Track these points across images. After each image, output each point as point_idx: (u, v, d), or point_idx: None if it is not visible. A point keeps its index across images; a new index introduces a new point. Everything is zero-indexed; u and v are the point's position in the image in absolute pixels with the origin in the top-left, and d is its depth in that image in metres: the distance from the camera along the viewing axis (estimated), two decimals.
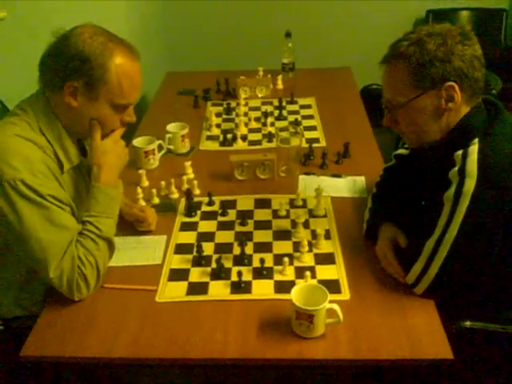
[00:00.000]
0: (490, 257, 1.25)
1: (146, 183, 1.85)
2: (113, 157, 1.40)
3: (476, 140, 1.26)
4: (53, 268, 1.27)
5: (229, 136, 2.13)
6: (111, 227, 1.38)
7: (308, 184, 1.82)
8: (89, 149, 1.49)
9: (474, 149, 1.24)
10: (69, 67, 1.28)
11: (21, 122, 1.32)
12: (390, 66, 1.34)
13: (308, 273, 1.36)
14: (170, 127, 2.08)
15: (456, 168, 1.24)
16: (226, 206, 1.71)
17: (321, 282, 1.34)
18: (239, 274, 1.38)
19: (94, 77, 1.28)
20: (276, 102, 2.41)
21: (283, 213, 1.67)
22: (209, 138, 2.19)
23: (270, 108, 2.39)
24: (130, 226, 1.62)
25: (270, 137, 2.13)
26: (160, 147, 2.01)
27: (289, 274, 1.42)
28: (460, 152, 1.26)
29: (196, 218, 1.68)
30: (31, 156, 1.28)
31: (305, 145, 1.98)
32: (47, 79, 1.33)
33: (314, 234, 1.53)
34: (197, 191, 1.79)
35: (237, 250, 1.50)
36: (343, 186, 1.80)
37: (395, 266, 1.36)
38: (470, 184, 1.21)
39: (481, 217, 1.22)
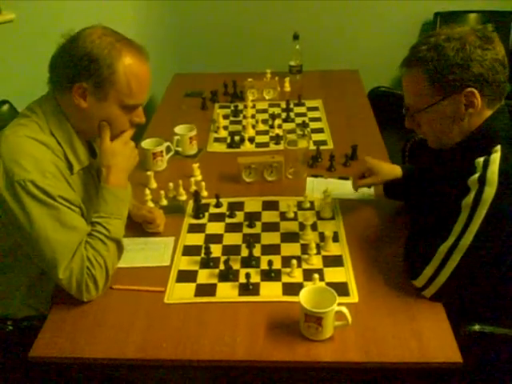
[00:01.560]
0: (502, 265, 1.25)
1: (154, 185, 1.85)
2: (122, 158, 1.41)
3: (498, 147, 1.24)
4: (62, 269, 1.28)
5: (236, 138, 2.14)
6: (120, 228, 1.38)
7: (316, 186, 1.82)
8: (98, 150, 1.49)
9: (496, 157, 1.22)
10: (78, 68, 1.28)
11: (31, 124, 1.33)
12: (409, 71, 1.33)
13: (316, 275, 1.35)
14: (178, 129, 2.09)
15: (476, 175, 1.22)
16: (234, 207, 1.71)
17: (329, 284, 1.34)
18: (247, 275, 1.38)
19: (103, 77, 1.29)
20: (283, 104, 2.41)
21: (291, 215, 1.67)
22: (216, 139, 2.20)
23: (277, 110, 2.39)
24: (138, 227, 1.62)
25: (277, 139, 2.13)
26: (168, 149, 2.02)
27: (297, 276, 1.42)
28: (481, 159, 1.23)
29: (204, 220, 1.68)
30: (41, 157, 1.28)
31: (312, 147, 1.98)
32: (57, 80, 1.34)
33: (322, 237, 1.53)
34: (204, 193, 1.79)
35: (245, 252, 1.50)
36: (351, 189, 1.79)
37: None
38: (490, 193, 1.19)
39: (497, 226, 1.21)
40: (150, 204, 1.73)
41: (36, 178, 1.24)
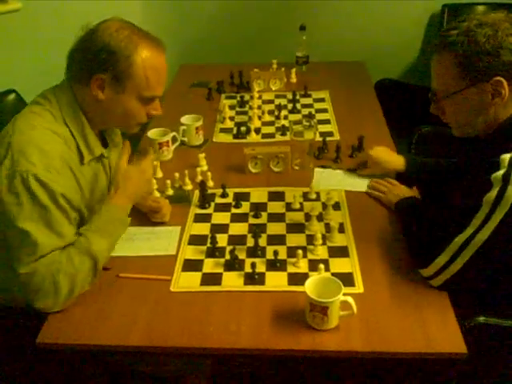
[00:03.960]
0: None
1: (160, 174, 1.86)
2: (132, 185, 1.41)
3: None
4: (23, 264, 1.25)
5: (242, 129, 2.13)
6: (103, 248, 1.32)
7: (323, 177, 1.82)
8: (109, 139, 1.50)
9: None
10: (96, 60, 1.29)
11: (44, 112, 1.33)
12: (438, 56, 1.31)
13: (322, 265, 1.36)
14: (184, 119, 2.09)
15: (501, 172, 1.20)
16: (240, 198, 1.72)
17: (334, 274, 1.34)
18: (253, 265, 1.38)
19: (121, 70, 1.29)
20: (290, 95, 2.40)
21: (297, 206, 1.67)
22: (222, 130, 2.20)
23: (283, 101, 2.39)
24: (144, 216, 1.63)
25: (283, 130, 2.12)
26: (174, 139, 2.02)
27: (302, 266, 1.42)
28: (508, 156, 1.20)
29: (210, 210, 1.68)
30: (49, 150, 1.28)
31: (318, 138, 1.97)
32: (75, 72, 1.34)
33: (328, 227, 1.53)
34: (210, 183, 1.80)
35: (250, 242, 1.50)
36: (359, 181, 1.79)
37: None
38: None
39: None
40: (156, 194, 1.74)
41: (39, 172, 1.23)
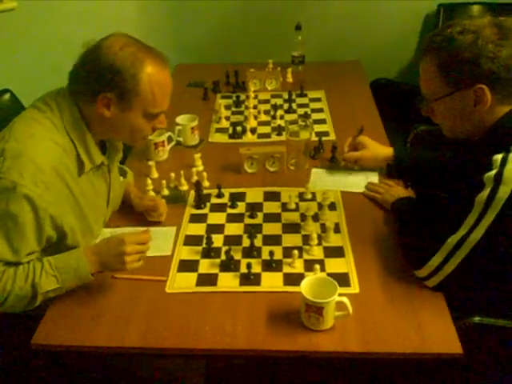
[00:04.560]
0: (509, 263, 1.25)
1: (155, 175, 1.85)
2: (109, 253, 1.31)
3: None
4: None
5: (238, 128, 2.13)
6: (48, 289, 1.27)
7: (320, 178, 1.82)
8: (109, 146, 1.49)
9: None
10: (101, 79, 1.27)
11: (44, 120, 1.31)
12: (423, 59, 1.32)
13: (317, 266, 1.36)
14: (180, 119, 2.08)
15: (493, 172, 1.20)
16: (236, 198, 1.71)
17: (330, 275, 1.34)
18: (248, 265, 1.38)
19: (127, 88, 1.28)
20: (285, 95, 2.40)
21: (292, 206, 1.67)
22: (218, 130, 2.19)
23: (279, 101, 2.39)
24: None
25: (279, 130, 2.12)
26: (170, 139, 2.01)
27: (298, 266, 1.42)
28: (499, 156, 1.21)
29: (205, 210, 1.68)
30: (41, 162, 1.24)
31: (314, 138, 1.97)
32: (79, 89, 1.32)
33: (324, 228, 1.53)
34: (206, 183, 1.79)
35: (246, 242, 1.50)
36: (355, 181, 1.79)
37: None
38: (505, 191, 1.18)
39: (508, 225, 1.21)
40: (152, 194, 1.73)
41: (27, 185, 1.21)
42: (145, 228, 1.41)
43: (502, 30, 1.22)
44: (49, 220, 1.28)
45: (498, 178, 1.19)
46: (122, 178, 1.68)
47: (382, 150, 1.79)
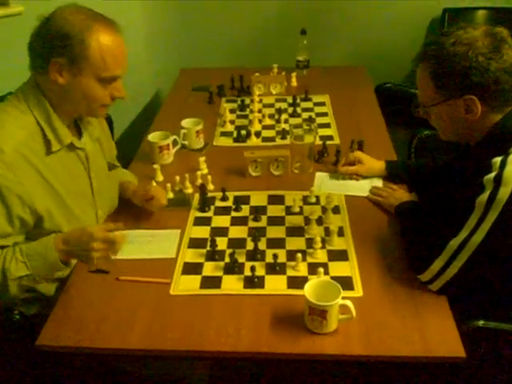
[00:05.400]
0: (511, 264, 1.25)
1: (160, 178, 1.86)
2: (79, 246, 1.33)
3: None
4: None
5: (243, 132, 2.14)
6: (17, 275, 1.30)
7: (324, 182, 1.83)
8: (84, 129, 1.50)
9: None
10: (52, 46, 1.30)
11: (11, 109, 1.35)
12: (419, 67, 1.35)
13: (321, 269, 1.36)
14: (185, 123, 2.09)
15: (492, 174, 1.21)
16: (240, 201, 1.72)
17: (333, 278, 1.34)
18: (252, 268, 1.39)
19: (76, 53, 1.31)
20: (290, 99, 2.41)
21: (296, 209, 1.67)
22: (223, 134, 2.20)
23: (283, 105, 2.40)
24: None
25: (283, 134, 2.13)
26: (175, 142, 2.02)
27: (302, 269, 1.42)
28: (499, 159, 1.22)
29: (210, 213, 1.69)
30: (4, 148, 1.28)
31: (318, 142, 1.98)
32: (34, 61, 1.36)
33: (328, 231, 1.54)
34: (211, 186, 1.80)
35: (250, 246, 1.50)
36: (360, 185, 1.79)
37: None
38: (505, 193, 1.19)
39: (509, 226, 1.21)
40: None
41: None
42: (120, 226, 1.39)
43: (495, 41, 1.24)
44: (16, 199, 1.30)
45: (498, 180, 1.20)
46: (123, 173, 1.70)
47: (377, 165, 1.82)
